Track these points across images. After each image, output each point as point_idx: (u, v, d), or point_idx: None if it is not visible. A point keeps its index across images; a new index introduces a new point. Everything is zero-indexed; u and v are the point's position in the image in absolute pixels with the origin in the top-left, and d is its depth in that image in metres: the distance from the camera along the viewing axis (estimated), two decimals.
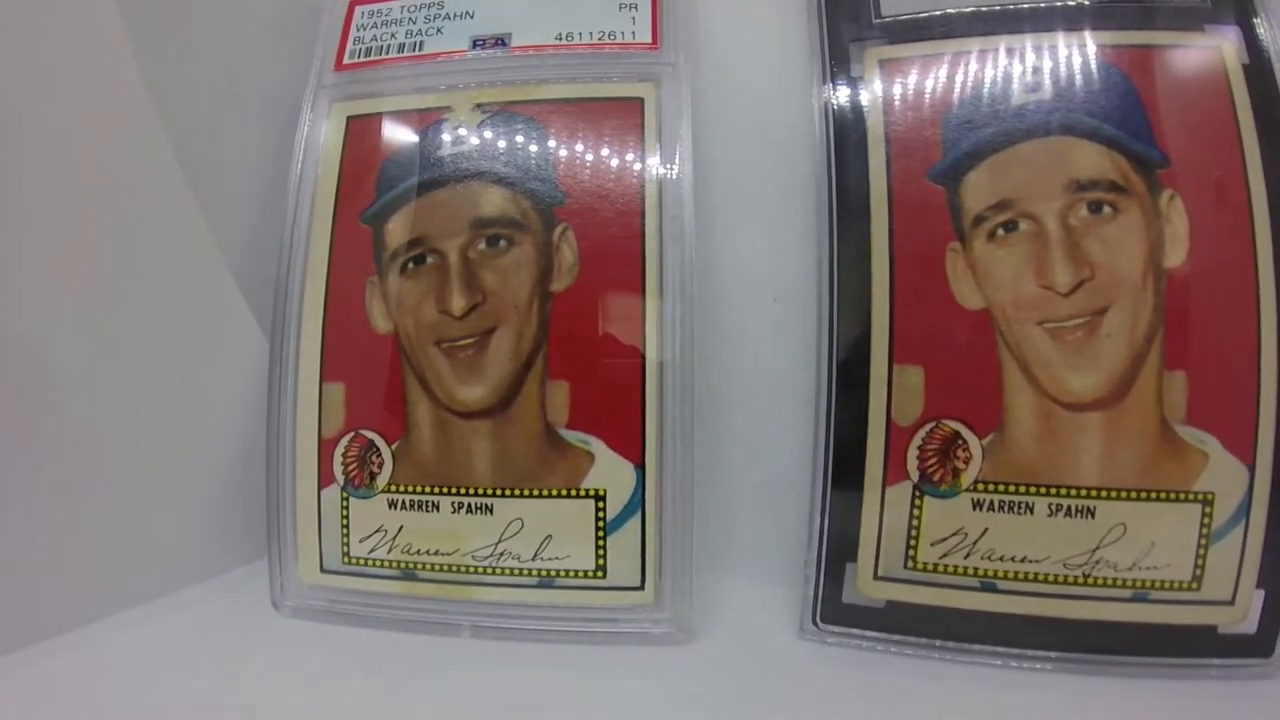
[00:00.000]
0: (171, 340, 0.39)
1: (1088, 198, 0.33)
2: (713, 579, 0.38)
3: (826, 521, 0.34)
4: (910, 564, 0.33)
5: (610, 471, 0.35)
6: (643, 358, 0.35)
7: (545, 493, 0.35)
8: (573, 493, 0.35)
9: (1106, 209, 0.33)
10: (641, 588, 0.35)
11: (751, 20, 0.41)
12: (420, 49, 0.40)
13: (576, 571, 0.35)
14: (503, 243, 0.36)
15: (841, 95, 0.36)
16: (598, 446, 0.35)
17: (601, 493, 0.35)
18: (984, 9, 0.36)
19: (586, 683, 0.33)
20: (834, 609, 0.34)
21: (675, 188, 0.36)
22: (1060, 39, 0.35)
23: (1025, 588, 0.33)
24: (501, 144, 0.38)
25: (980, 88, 0.34)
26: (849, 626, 0.34)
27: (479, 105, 0.38)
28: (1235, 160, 0.33)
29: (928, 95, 0.35)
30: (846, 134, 0.35)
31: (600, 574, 0.35)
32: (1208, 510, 0.33)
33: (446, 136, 0.38)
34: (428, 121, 0.39)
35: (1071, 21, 0.35)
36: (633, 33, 0.39)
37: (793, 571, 0.36)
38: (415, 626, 0.36)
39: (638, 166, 0.36)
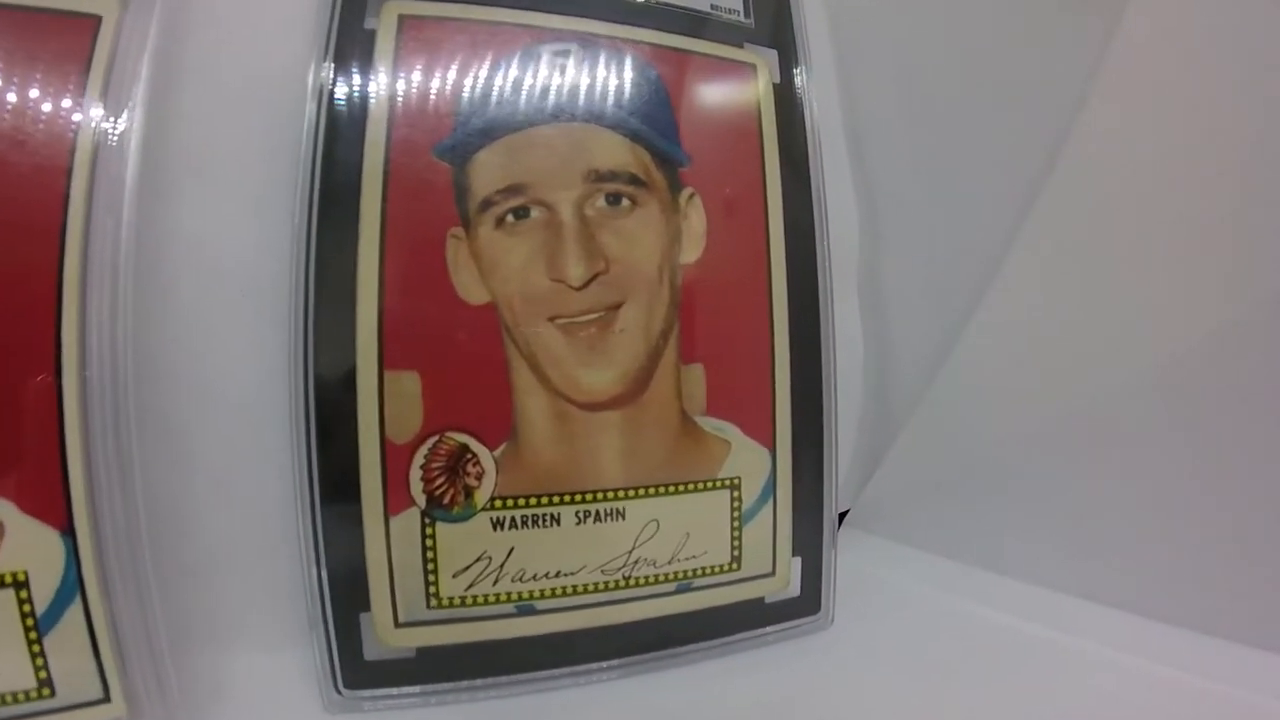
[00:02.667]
0: None
1: (606, 189, 0.30)
2: (210, 659, 0.28)
3: (324, 568, 0.26)
4: (434, 602, 0.28)
5: (27, 545, 0.24)
6: (57, 376, 0.24)
7: None
8: None
9: (625, 202, 0.31)
10: (107, 698, 0.24)
11: None
12: None
13: (14, 695, 0.23)
14: None
15: (347, 50, 0.28)
16: (6, 510, 0.23)
17: (21, 577, 0.23)
18: None
19: None
20: (357, 670, 0.27)
21: (119, 145, 0.26)
22: (602, 28, 0.32)
23: (565, 603, 0.29)
24: None
25: (506, 62, 0.30)
26: (378, 687, 0.27)
27: None
28: (755, 168, 0.33)
29: (447, 62, 0.29)
30: (346, 95, 0.28)
31: (47, 692, 0.24)
32: (736, 494, 0.33)
33: None
34: None
35: (616, 13, 0.32)
36: None
37: (307, 629, 0.28)
38: None
39: (71, 111, 0.25)
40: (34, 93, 0.25)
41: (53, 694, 0.24)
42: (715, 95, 0.34)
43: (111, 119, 0.26)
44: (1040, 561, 0.37)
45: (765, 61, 0.34)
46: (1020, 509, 0.38)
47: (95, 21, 0.26)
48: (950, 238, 0.41)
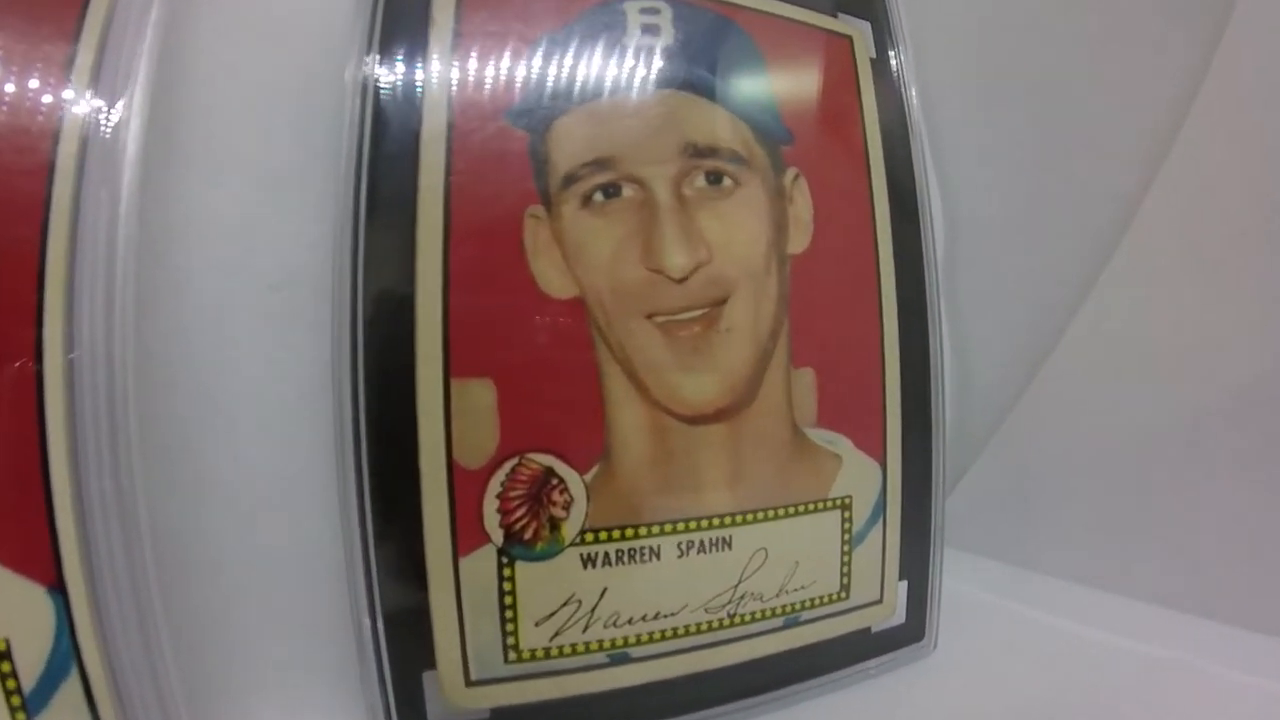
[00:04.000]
0: None
1: (705, 166, 0.25)
2: (243, 712, 0.23)
3: (380, 620, 0.21)
4: (513, 655, 0.22)
5: (5, 607, 0.19)
6: (38, 388, 0.19)
7: None
8: None
9: (727, 181, 0.26)
10: None
11: None
12: None
13: None
14: None
15: None
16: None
17: (3, 648, 0.18)
18: None
19: None
20: None
21: (117, 107, 0.20)
22: None
23: (664, 648, 0.24)
24: None
25: (588, 17, 0.25)
26: None
27: None
28: (858, 149, 0.29)
29: (519, 12, 0.24)
30: (399, 46, 0.23)
31: None
32: (847, 515, 0.28)
33: None
34: None
35: None
36: None
37: (356, 689, 0.23)
38: None
39: (59, 64, 0.20)
40: (14, 40, 0.20)
41: None
42: (814, 67, 0.29)
43: (108, 72, 0.20)
44: (1130, 575, 0.33)
45: (861, 34, 0.30)
46: (1105, 522, 0.34)
47: None
48: (1038, 246, 0.38)
